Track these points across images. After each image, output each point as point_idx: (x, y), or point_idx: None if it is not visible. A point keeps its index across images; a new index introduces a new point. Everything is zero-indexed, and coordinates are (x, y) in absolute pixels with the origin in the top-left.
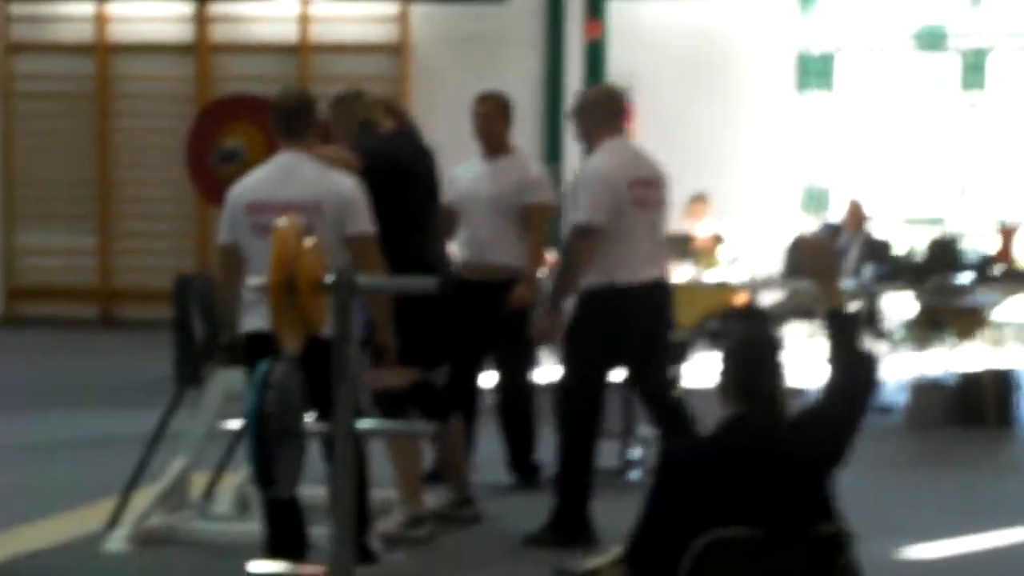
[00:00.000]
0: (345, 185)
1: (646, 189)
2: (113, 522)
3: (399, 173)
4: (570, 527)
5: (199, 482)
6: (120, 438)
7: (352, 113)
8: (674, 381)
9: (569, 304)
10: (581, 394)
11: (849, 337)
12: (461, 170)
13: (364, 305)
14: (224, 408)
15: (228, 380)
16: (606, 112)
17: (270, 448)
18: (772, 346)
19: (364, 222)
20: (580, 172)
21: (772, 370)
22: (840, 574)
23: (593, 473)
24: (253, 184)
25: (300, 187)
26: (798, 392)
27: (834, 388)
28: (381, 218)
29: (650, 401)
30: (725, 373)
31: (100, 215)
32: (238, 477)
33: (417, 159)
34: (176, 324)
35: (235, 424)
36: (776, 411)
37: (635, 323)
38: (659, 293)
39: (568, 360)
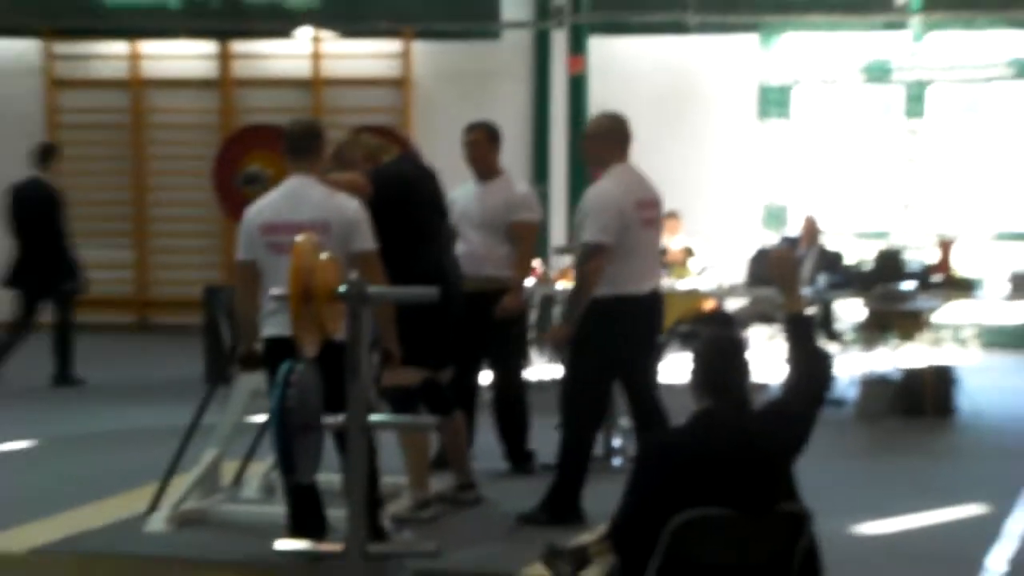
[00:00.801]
0: (350, 207)
1: (650, 210)
2: (153, 506)
3: (404, 190)
4: (562, 508)
5: (229, 470)
6: (157, 431)
7: (358, 146)
8: (657, 379)
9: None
10: (587, 392)
11: (808, 338)
12: (457, 193)
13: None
14: (250, 404)
15: (254, 379)
16: (616, 139)
17: (292, 439)
18: (738, 347)
19: (367, 240)
20: (590, 195)
21: (738, 368)
22: (801, 548)
23: (590, 462)
24: (266, 207)
25: (309, 209)
26: (761, 387)
27: (794, 384)
28: (392, 232)
29: (635, 395)
30: (696, 371)
31: (136, 232)
32: (264, 465)
33: (420, 178)
34: (206, 330)
35: (260, 418)
36: (742, 405)
37: (637, 329)
38: (655, 301)
39: (576, 361)
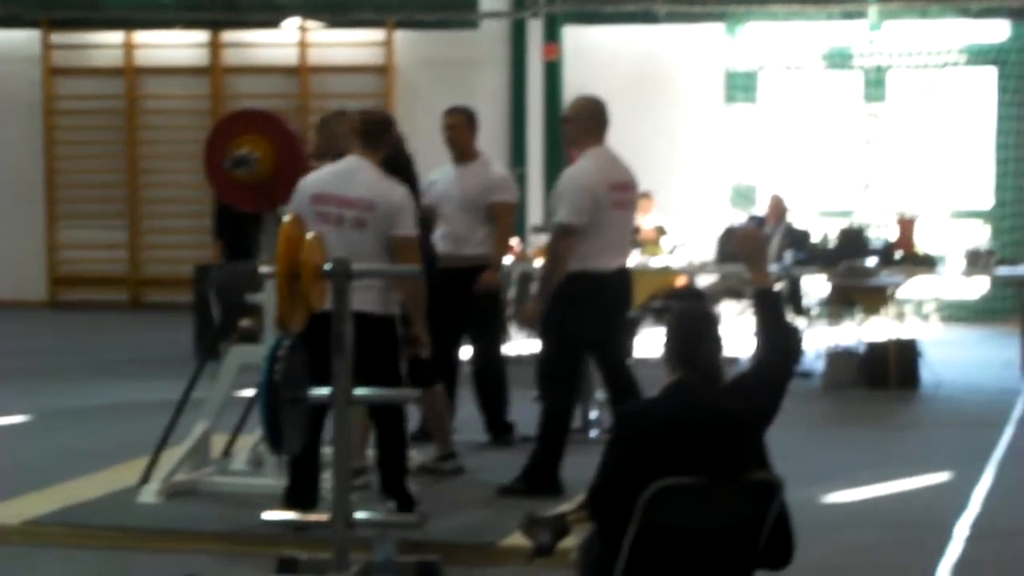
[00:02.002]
0: (398, 192)
1: (623, 192)
2: (145, 478)
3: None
4: (542, 480)
5: (219, 443)
6: (149, 405)
7: (332, 130)
8: (628, 352)
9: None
10: (561, 365)
11: (776, 313)
12: (437, 175)
13: None
14: (239, 379)
15: (242, 354)
16: (594, 122)
17: (278, 413)
18: (710, 320)
19: (409, 226)
20: (566, 176)
21: (710, 341)
22: (772, 515)
23: (567, 433)
24: (320, 178)
25: (359, 187)
26: (732, 360)
27: (764, 357)
28: None
29: (608, 369)
30: (668, 344)
31: (129, 213)
32: (252, 438)
33: (398, 161)
34: (196, 307)
35: (249, 392)
36: (714, 377)
37: (606, 304)
38: (624, 278)
39: (549, 336)
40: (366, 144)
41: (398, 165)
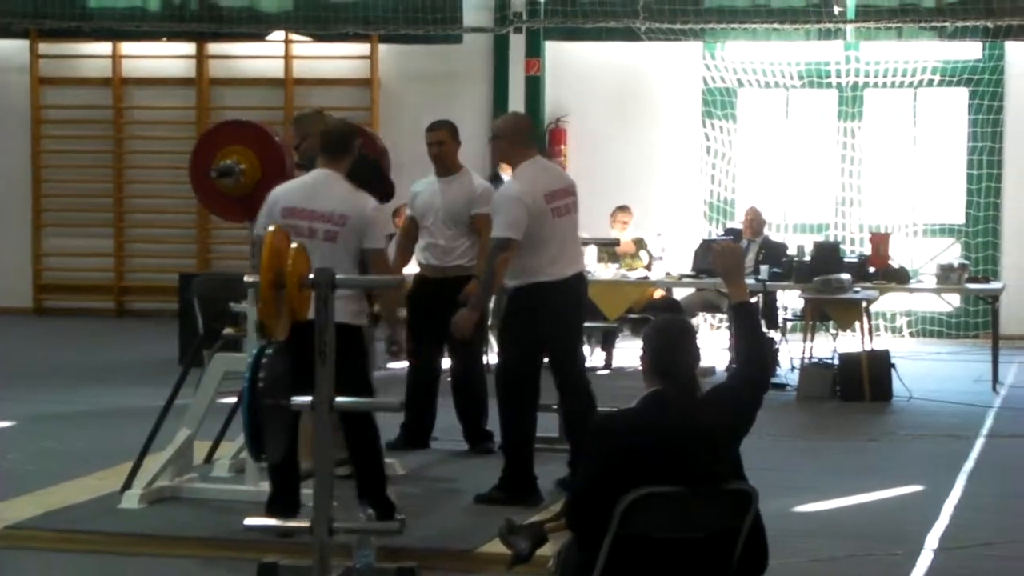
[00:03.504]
0: (368, 205)
1: (561, 199)
2: (128, 483)
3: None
4: (519, 489)
5: (201, 449)
6: (132, 411)
7: (305, 130)
8: (584, 361)
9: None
10: (519, 376)
11: (753, 326)
12: (419, 185)
13: None
14: (222, 386)
15: (225, 362)
16: (519, 136)
17: (261, 420)
18: (687, 332)
19: (379, 239)
20: (496, 195)
21: (687, 352)
22: (747, 524)
23: (533, 442)
24: (291, 192)
25: (330, 201)
26: (708, 371)
27: (740, 369)
28: None
29: (561, 375)
30: (646, 355)
31: (115, 222)
32: (234, 445)
33: (351, 175)
34: (180, 315)
35: (232, 399)
36: (690, 388)
37: (558, 312)
38: (579, 285)
39: (506, 348)
40: (331, 157)
41: (364, 172)
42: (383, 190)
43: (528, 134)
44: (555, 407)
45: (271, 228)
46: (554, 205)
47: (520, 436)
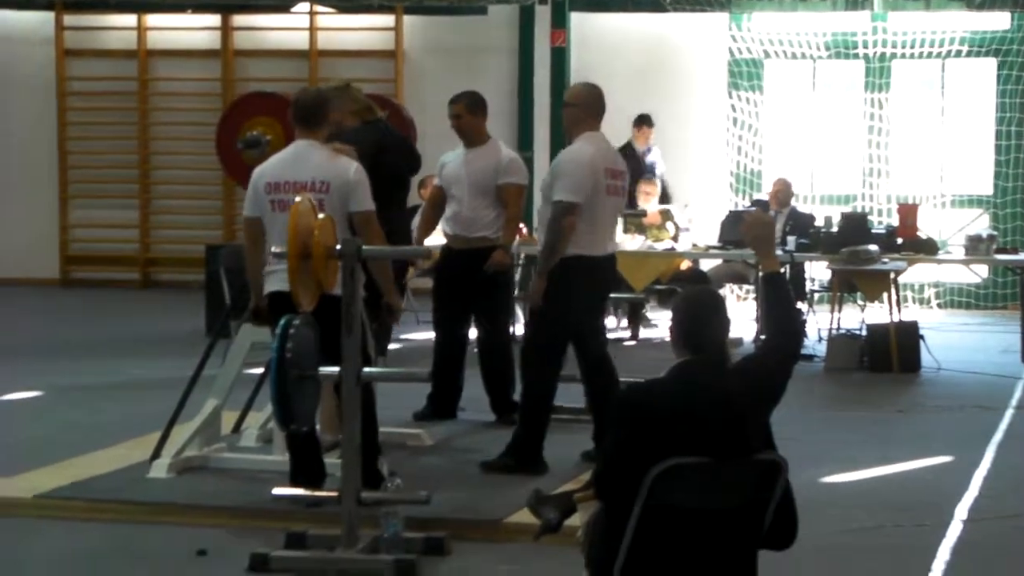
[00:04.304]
0: (350, 169)
1: (616, 179)
2: (156, 453)
3: (371, 159)
4: (527, 457)
5: (229, 419)
6: (158, 383)
7: (347, 99)
8: (605, 335)
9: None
10: (549, 346)
11: (783, 297)
12: (447, 157)
13: None
14: (249, 356)
15: (253, 333)
16: (593, 108)
17: (288, 390)
18: (716, 303)
19: (366, 201)
20: (564, 156)
21: (717, 323)
22: (777, 494)
23: (549, 413)
24: (272, 167)
25: (311, 170)
26: (736, 342)
27: (770, 340)
28: None
29: (588, 354)
30: (676, 326)
31: (141, 194)
32: (262, 415)
33: (387, 148)
34: (207, 286)
35: (259, 370)
36: (720, 358)
37: (597, 289)
38: (613, 264)
39: (541, 317)
40: (306, 127)
41: (393, 145)
42: (411, 163)
43: (601, 106)
44: (580, 378)
45: (297, 199)
46: (610, 183)
47: (538, 406)
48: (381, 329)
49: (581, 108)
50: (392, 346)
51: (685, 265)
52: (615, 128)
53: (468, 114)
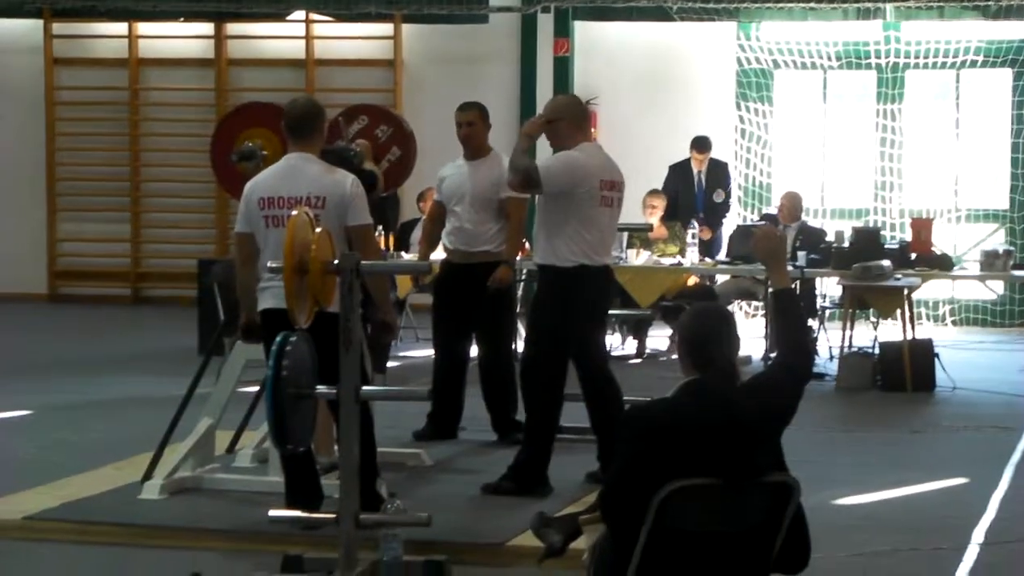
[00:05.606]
0: (346, 182)
1: (612, 191)
2: (148, 474)
3: None
4: (530, 479)
5: (223, 439)
6: (150, 401)
7: None
8: (607, 353)
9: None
10: (549, 364)
11: (794, 313)
12: (448, 169)
13: None
14: (244, 374)
15: (248, 350)
16: (583, 119)
17: (284, 409)
18: (725, 320)
19: (363, 215)
20: (561, 153)
21: (726, 341)
22: (788, 517)
23: (555, 434)
24: (265, 181)
25: (306, 184)
26: (744, 361)
27: (781, 358)
28: None
29: (585, 366)
30: (684, 344)
31: (132, 207)
32: (257, 435)
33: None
34: (200, 302)
35: (254, 388)
36: (729, 377)
37: (594, 302)
38: (610, 277)
39: (537, 334)
40: (299, 138)
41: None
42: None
43: (587, 116)
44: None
45: (294, 213)
46: (605, 194)
47: (544, 427)
48: (375, 346)
49: (569, 121)
50: (391, 364)
51: (692, 281)
52: (619, 139)
53: (482, 122)
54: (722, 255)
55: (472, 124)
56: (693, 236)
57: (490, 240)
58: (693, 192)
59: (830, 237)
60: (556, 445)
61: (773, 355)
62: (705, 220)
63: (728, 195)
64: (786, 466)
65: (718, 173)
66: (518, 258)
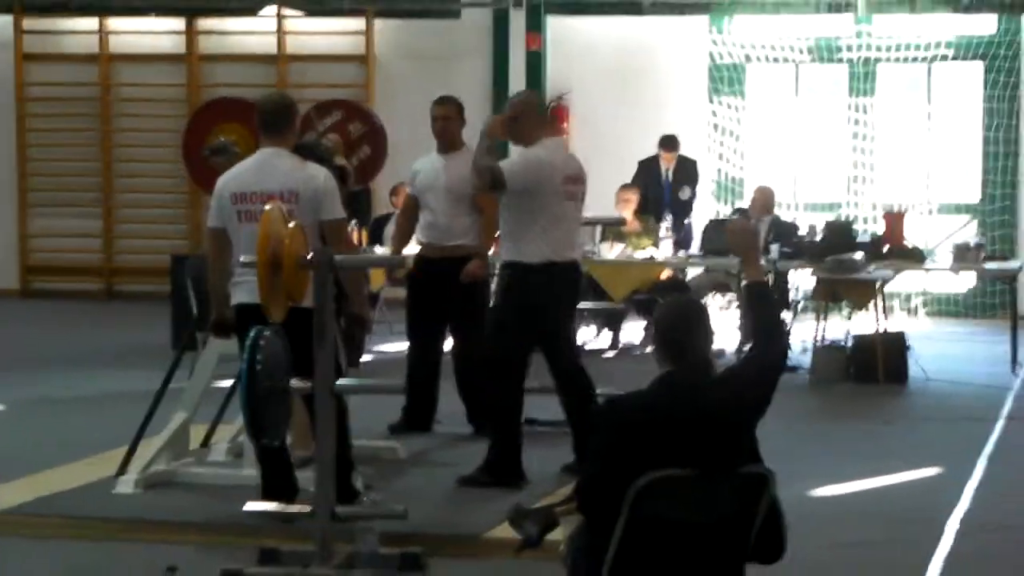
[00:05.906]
0: (319, 176)
1: (575, 185)
2: (123, 469)
3: None
4: (504, 471)
5: (197, 433)
6: (123, 396)
7: None
8: (577, 347)
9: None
10: (511, 358)
11: (768, 306)
12: (420, 163)
13: None
14: (217, 369)
15: (221, 345)
16: (539, 116)
17: (259, 403)
18: (699, 313)
19: (336, 210)
20: (523, 150)
21: (700, 333)
22: (763, 508)
23: (520, 423)
24: (237, 176)
25: (279, 179)
26: (718, 353)
27: (755, 350)
28: None
29: (556, 360)
30: (658, 337)
31: (103, 202)
32: (232, 429)
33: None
34: (173, 297)
35: (228, 383)
36: (703, 369)
37: (560, 296)
38: (577, 270)
39: (500, 328)
40: (271, 133)
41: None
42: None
43: (545, 111)
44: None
45: (267, 207)
46: (568, 189)
47: (508, 417)
48: (349, 340)
49: (530, 118)
50: (365, 358)
51: (665, 274)
52: (591, 133)
53: (457, 116)
54: (694, 248)
55: (448, 118)
56: (667, 229)
57: (464, 234)
58: (661, 189)
59: (803, 230)
60: (532, 437)
61: (747, 347)
62: (672, 216)
63: (694, 193)
64: (760, 457)
65: (686, 170)
66: (491, 252)
